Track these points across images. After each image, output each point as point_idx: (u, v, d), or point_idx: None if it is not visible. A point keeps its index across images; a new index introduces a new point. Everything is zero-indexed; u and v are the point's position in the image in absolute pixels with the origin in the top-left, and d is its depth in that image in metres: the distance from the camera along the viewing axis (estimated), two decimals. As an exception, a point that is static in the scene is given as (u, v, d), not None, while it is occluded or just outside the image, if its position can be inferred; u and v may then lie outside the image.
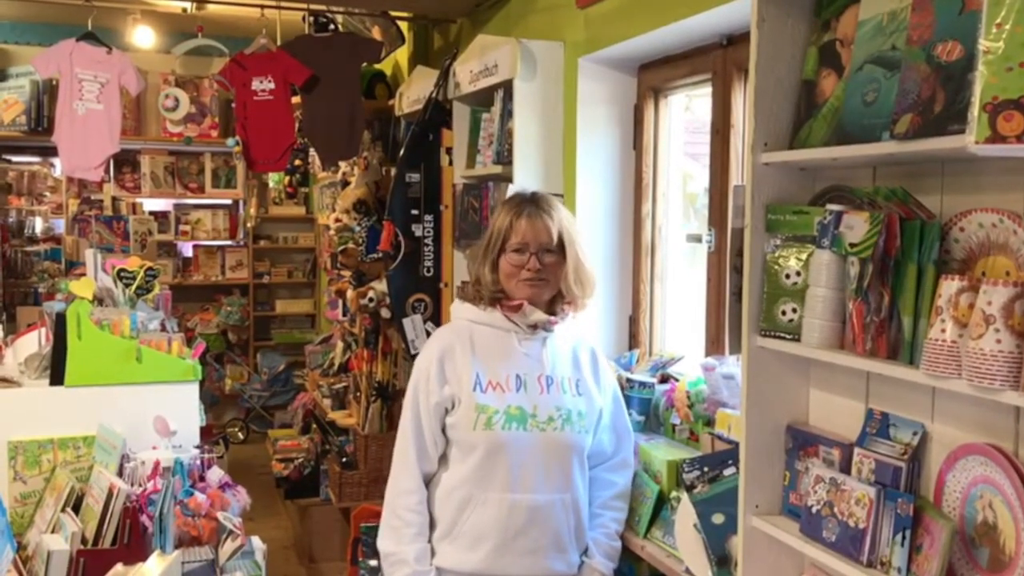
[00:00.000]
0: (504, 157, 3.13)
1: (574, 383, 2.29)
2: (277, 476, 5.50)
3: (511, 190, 2.91)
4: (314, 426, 5.61)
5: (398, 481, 2.29)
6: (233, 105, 4.29)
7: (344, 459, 4.62)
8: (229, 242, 7.54)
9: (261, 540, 2.46)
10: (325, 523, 4.85)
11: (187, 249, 7.53)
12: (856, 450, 1.71)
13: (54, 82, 4.82)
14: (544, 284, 2.26)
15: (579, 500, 2.29)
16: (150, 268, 3.21)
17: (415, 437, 2.26)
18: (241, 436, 7.20)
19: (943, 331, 1.43)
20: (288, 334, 7.58)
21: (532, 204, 2.27)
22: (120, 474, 2.43)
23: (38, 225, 8.44)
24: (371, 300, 4.26)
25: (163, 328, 3.13)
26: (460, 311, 2.36)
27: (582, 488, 2.31)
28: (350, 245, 4.52)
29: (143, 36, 5.48)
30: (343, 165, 5.09)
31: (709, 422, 2.44)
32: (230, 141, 4.12)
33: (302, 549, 4.94)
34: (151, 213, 7.32)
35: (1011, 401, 1.34)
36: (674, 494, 2.33)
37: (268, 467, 5.78)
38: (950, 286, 1.44)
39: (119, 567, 1.89)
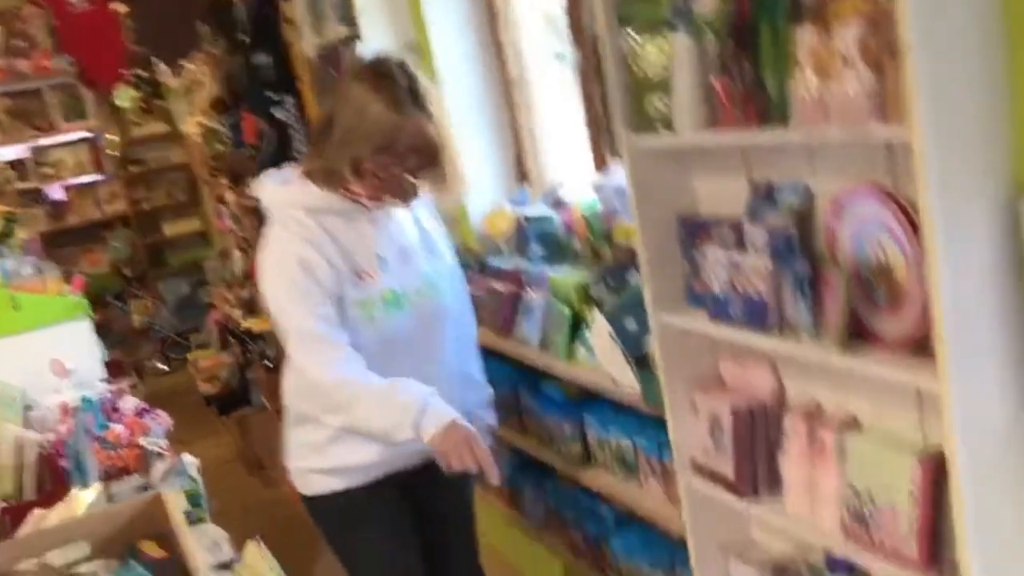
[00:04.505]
0: (348, 17, 2.97)
1: (425, 245, 2.10)
2: (206, 396, 5.43)
3: (360, 51, 2.75)
4: (231, 339, 5.51)
5: (331, 368, 1.92)
6: (56, 25, 3.97)
7: (268, 363, 4.55)
8: (98, 176, 7.15)
9: (206, 459, 2.42)
10: (265, 430, 4.81)
11: (56, 192, 7.12)
12: (746, 225, 1.71)
13: None
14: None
15: (466, 362, 2.21)
16: (8, 214, 3.03)
17: (319, 320, 1.92)
18: (164, 367, 7.06)
19: (806, 83, 1.41)
20: (184, 256, 7.35)
21: (411, 98, 1.87)
22: (27, 425, 2.34)
23: None
24: (252, 197, 4.10)
25: (39, 272, 2.98)
26: (289, 196, 1.97)
27: (462, 351, 2.18)
28: (219, 147, 4.31)
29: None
30: (190, 66, 4.80)
31: (608, 238, 2.44)
32: (59, 61, 3.82)
33: (249, 460, 4.92)
34: (6, 162, 6.87)
35: (880, 135, 1.34)
36: (587, 314, 2.35)
37: (196, 390, 5.69)
38: (804, 35, 1.41)
39: (36, 512, 1.83)
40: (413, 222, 2.09)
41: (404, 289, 2.00)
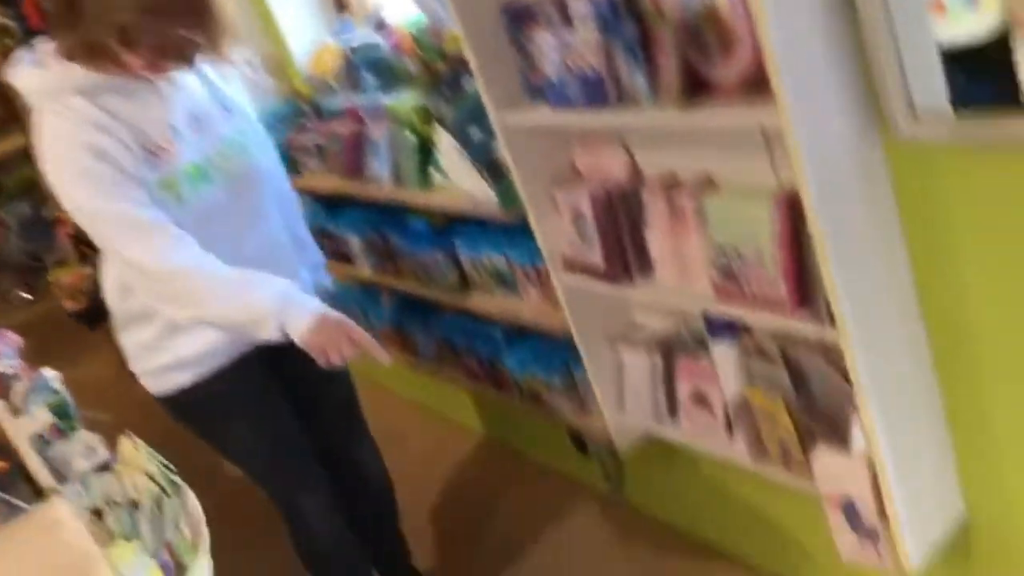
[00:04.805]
0: None
1: (219, 105, 1.89)
2: (72, 313, 5.17)
3: None
4: (87, 249, 5.20)
5: (164, 254, 1.73)
6: None
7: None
8: None
9: (89, 376, 2.27)
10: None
11: None
12: (569, -1, 1.61)
13: None
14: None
15: (293, 223, 2.09)
16: None
17: (131, 204, 1.71)
18: (28, 296, 6.67)
19: None
20: (17, 176, 6.82)
21: None
22: None
23: None
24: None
25: None
26: (55, 80, 1.70)
27: (286, 212, 2.06)
28: (8, 43, 3.90)
29: None
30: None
31: (440, 51, 2.31)
32: None
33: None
34: None
35: None
36: (433, 135, 2.23)
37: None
38: None
39: None
40: (201, 83, 1.87)
41: (206, 158, 1.81)
